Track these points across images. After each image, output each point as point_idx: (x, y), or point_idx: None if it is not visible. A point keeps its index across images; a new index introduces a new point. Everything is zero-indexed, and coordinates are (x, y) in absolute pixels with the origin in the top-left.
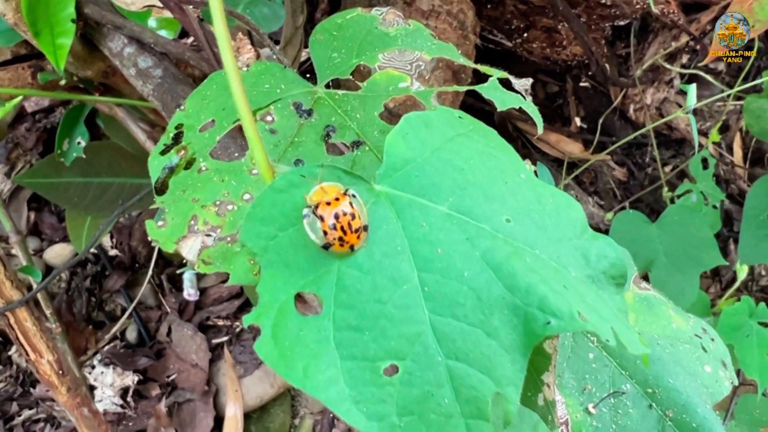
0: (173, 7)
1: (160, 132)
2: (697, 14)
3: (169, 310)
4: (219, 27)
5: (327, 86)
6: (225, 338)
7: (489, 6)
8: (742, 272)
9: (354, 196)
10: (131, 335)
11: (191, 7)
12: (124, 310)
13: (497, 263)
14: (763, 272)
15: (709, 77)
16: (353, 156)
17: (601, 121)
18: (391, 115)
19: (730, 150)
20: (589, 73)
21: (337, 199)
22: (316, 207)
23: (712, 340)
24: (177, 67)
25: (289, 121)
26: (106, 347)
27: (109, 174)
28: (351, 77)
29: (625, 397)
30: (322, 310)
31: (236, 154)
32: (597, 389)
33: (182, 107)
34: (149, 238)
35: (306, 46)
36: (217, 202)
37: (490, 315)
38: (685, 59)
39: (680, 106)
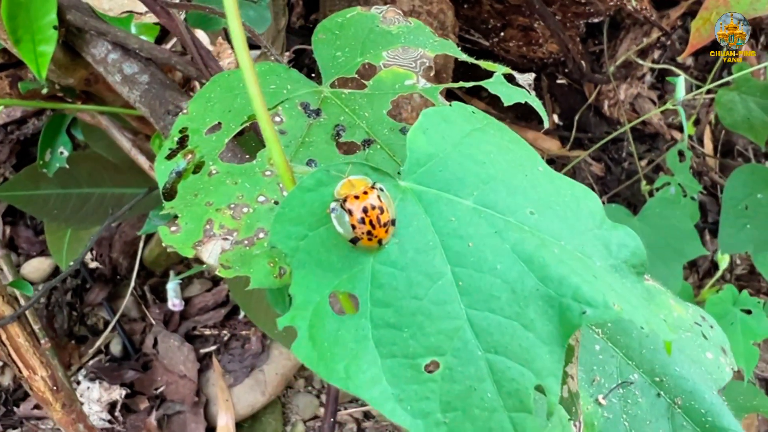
0: (159, 11)
1: (145, 140)
2: (667, 10)
3: (153, 321)
4: (234, 25)
5: (332, 85)
6: (213, 347)
7: (466, 6)
8: (724, 261)
9: (382, 189)
10: (115, 348)
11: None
12: (107, 324)
13: (528, 255)
14: (739, 261)
15: (680, 72)
16: (365, 154)
17: (576, 117)
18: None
19: (701, 143)
20: (566, 70)
21: (365, 193)
22: (344, 200)
23: (711, 327)
24: (163, 72)
25: (298, 122)
26: (91, 362)
27: (89, 184)
28: (356, 76)
29: (634, 386)
30: (358, 309)
31: (247, 156)
32: (605, 380)
33: (185, 111)
34: (164, 244)
35: (287, 50)
36: (232, 206)
37: (526, 307)
38: (656, 55)
39: (653, 101)
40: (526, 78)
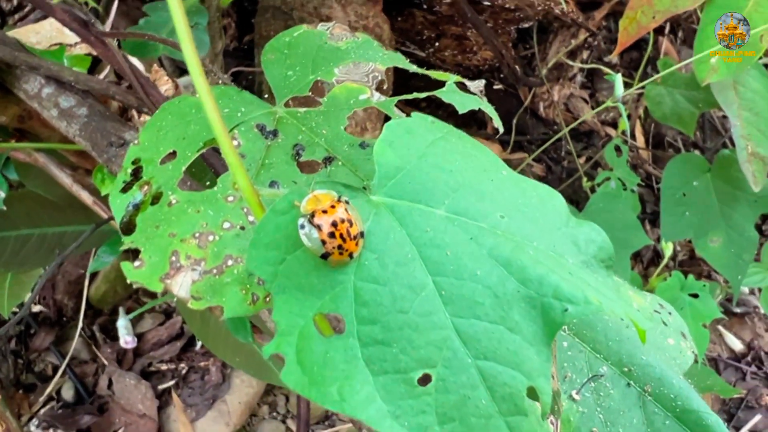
0: (94, 41)
1: (85, 175)
2: (591, 12)
3: (106, 361)
4: (188, 49)
5: (287, 105)
6: (171, 382)
7: (400, 19)
8: (668, 249)
9: (347, 202)
10: (68, 394)
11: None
12: (56, 369)
13: (505, 259)
14: (679, 248)
15: (609, 71)
16: (328, 172)
17: (514, 121)
18: None
19: (633, 137)
20: (501, 75)
21: (332, 207)
22: (312, 216)
23: (670, 314)
24: (102, 103)
25: (256, 144)
26: (42, 410)
27: (27, 225)
28: (310, 94)
29: (604, 379)
30: (344, 329)
31: (207, 183)
32: (576, 375)
33: (136, 141)
34: (129, 281)
35: (225, 72)
36: (197, 234)
37: (509, 310)
38: (585, 55)
39: (585, 100)
40: (477, 85)
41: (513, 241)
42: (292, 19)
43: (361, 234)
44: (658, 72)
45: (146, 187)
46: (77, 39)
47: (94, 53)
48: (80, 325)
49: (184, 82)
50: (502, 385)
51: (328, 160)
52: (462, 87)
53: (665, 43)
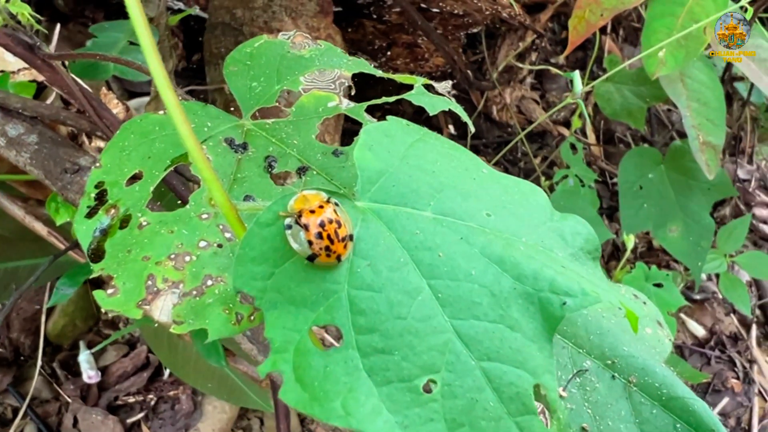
0: (41, 65)
1: (37, 205)
2: (536, 14)
3: (69, 398)
4: (154, 64)
5: (254, 117)
6: (140, 415)
7: (350, 30)
8: (630, 242)
9: (337, 204)
10: None
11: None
12: (16, 411)
13: (498, 256)
14: (637, 240)
15: (558, 71)
16: (303, 182)
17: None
18: None
19: (584, 134)
20: (453, 81)
21: (321, 207)
22: (299, 216)
23: (644, 303)
24: (52, 129)
25: (226, 158)
26: None
27: None
28: (277, 104)
29: (589, 373)
30: (342, 340)
31: (178, 202)
32: (561, 372)
33: (98, 164)
34: (103, 310)
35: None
36: (172, 256)
37: (508, 308)
38: (533, 57)
39: (536, 101)
40: (444, 86)
41: (503, 238)
42: (243, 34)
43: (350, 237)
44: (603, 70)
45: (113, 211)
46: (19, 65)
47: (39, 80)
48: (39, 363)
49: (134, 105)
50: (508, 385)
51: (303, 170)
52: (429, 89)
53: (608, 42)
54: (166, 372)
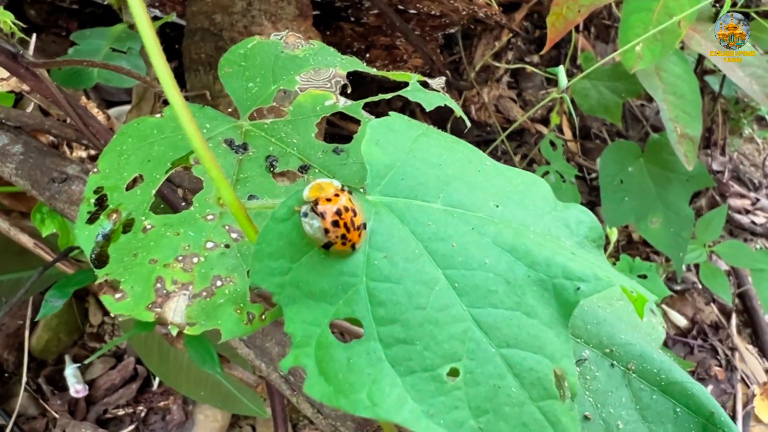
0: (24, 74)
1: (21, 218)
2: (511, 14)
3: (57, 414)
4: (158, 62)
5: (251, 117)
6: (130, 427)
7: (328, 33)
8: (613, 235)
9: (350, 192)
10: None
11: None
12: (2, 429)
13: (510, 245)
14: (618, 234)
15: (534, 69)
16: (306, 180)
17: (449, 126)
18: None
19: (561, 131)
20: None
21: (336, 195)
22: (316, 204)
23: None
24: (37, 139)
25: (227, 159)
26: None
27: None
28: (275, 104)
29: (588, 362)
30: (363, 332)
31: (182, 204)
32: None
33: (95, 169)
34: (113, 315)
35: (158, 99)
36: (180, 258)
37: (523, 295)
38: (509, 56)
39: (513, 100)
40: (438, 82)
41: (512, 227)
42: (223, 39)
43: (364, 225)
44: (577, 68)
45: (115, 215)
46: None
47: (17, 90)
48: (24, 379)
49: (115, 113)
50: (528, 370)
51: (304, 169)
52: (424, 85)
53: (581, 39)
54: (156, 382)
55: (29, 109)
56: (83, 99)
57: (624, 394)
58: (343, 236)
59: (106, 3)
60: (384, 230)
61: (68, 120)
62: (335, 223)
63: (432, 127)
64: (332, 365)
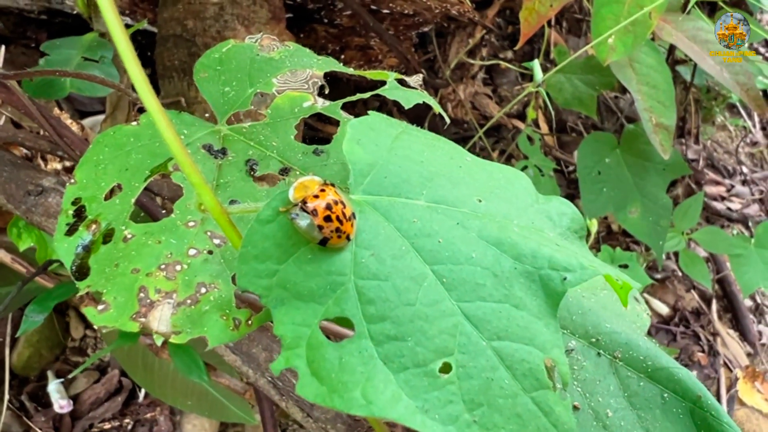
0: None
1: None
2: (483, 11)
3: (41, 431)
4: (133, 69)
5: (229, 122)
6: None
7: (302, 35)
8: (593, 226)
9: (333, 185)
10: None
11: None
12: None
13: (495, 239)
14: (597, 225)
15: (508, 65)
16: (287, 183)
17: (426, 125)
18: None
19: (537, 125)
20: None
21: (322, 191)
22: (304, 203)
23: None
24: (10, 152)
25: (206, 165)
26: None
27: None
28: (252, 107)
29: (575, 352)
30: (354, 331)
31: (162, 212)
32: None
33: (73, 180)
34: (96, 327)
35: (133, 107)
36: (162, 266)
37: (511, 287)
38: (484, 53)
39: (489, 96)
40: (416, 79)
41: (496, 221)
42: (196, 45)
43: (353, 215)
44: (550, 62)
45: (94, 226)
46: None
47: None
48: (6, 397)
49: (89, 124)
50: (520, 362)
51: (285, 171)
52: (402, 83)
53: (553, 34)
54: (141, 394)
55: (0, 122)
56: (56, 110)
57: (612, 383)
58: (338, 229)
59: (75, 12)
60: (369, 228)
61: (42, 132)
62: (327, 218)
63: (411, 126)
64: (324, 365)
